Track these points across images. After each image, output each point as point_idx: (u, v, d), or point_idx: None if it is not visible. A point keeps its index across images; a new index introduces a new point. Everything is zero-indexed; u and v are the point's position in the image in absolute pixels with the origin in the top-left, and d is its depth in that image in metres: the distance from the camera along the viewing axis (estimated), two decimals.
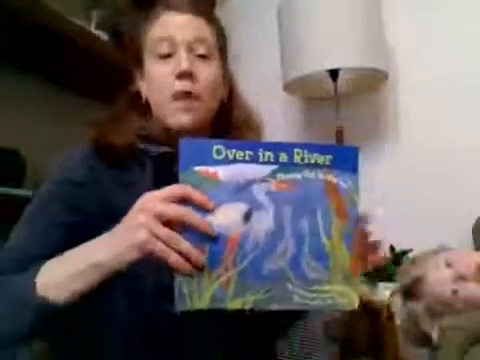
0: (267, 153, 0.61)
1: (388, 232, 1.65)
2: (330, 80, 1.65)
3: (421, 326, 1.05)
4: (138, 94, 0.87)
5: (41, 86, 1.56)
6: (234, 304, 0.59)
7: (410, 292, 1.09)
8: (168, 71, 0.79)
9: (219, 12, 2.30)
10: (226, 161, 0.60)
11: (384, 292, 1.45)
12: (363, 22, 1.59)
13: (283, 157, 0.62)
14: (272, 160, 0.61)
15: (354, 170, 0.64)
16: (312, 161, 0.63)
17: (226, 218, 0.59)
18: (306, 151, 0.63)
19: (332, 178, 0.63)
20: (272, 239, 0.60)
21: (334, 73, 1.63)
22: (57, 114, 1.60)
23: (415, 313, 1.07)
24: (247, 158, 0.60)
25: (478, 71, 1.67)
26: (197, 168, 0.59)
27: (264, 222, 0.60)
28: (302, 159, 0.62)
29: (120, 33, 1.72)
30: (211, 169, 0.59)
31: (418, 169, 1.73)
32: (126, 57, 0.89)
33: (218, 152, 0.60)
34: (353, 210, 0.64)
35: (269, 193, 0.61)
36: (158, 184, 0.61)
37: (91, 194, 0.76)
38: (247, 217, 0.60)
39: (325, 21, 1.57)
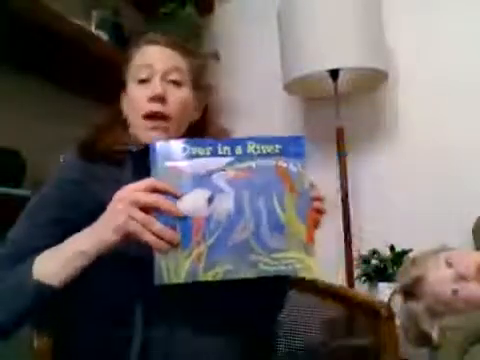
0: (225, 147, 0.72)
1: (388, 232, 1.67)
2: (330, 80, 1.65)
3: (421, 326, 1.05)
4: (121, 112, 0.97)
5: (41, 86, 1.56)
6: (206, 276, 0.68)
7: (410, 292, 1.09)
8: (144, 94, 0.89)
9: (219, 12, 2.32)
10: (190, 156, 0.71)
11: (384, 292, 1.45)
12: (363, 22, 1.59)
13: (238, 150, 0.72)
14: (229, 153, 0.72)
15: (301, 156, 0.74)
16: (264, 151, 0.73)
17: (192, 203, 0.69)
18: (258, 143, 0.73)
19: (282, 163, 0.73)
20: (234, 217, 0.70)
21: (334, 73, 1.63)
22: (57, 114, 1.60)
23: (415, 313, 1.07)
24: (208, 153, 0.71)
25: (478, 71, 1.66)
26: (166, 163, 0.70)
27: (225, 204, 0.70)
28: (255, 149, 0.73)
29: (121, 33, 1.72)
30: (178, 164, 0.70)
31: (418, 169, 1.73)
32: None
33: (184, 150, 0.71)
34: (303, 189, 0.73)
35: (228, 180, 0.71)
36: (137, 179, 0.71)
37: (87, 191, 0.85)
38: (210, 201, 0.69)
39: (325, 21, 1.57)
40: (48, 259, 0.74)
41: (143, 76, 0.90)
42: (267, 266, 0.70)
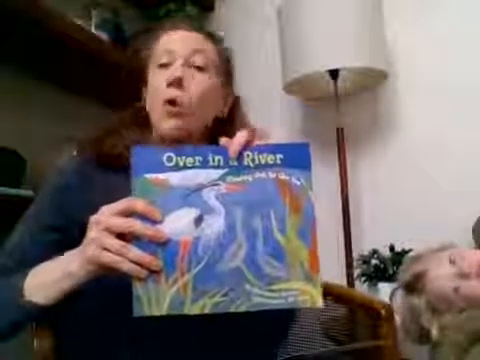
0: (217, 157, 0.63)
1: (388, 232, 1.67)
2: (330, 80, 1.65)
3: (421, 321, 1.05)
4: (143, 109, 0.90)
5: (41, 86, 1.56)
6: (193, 309, 0.60)
7: (412, 287, 1.09)
8: (163, 78, 0.83)
9: (219, 12, 2.32)
10: (177, 168, 0.62)
11: (384, 292, 1.45)
12: (363, 22, 1.59)
13: (233, 160, 0.64)
14: (222, 164, 0.63)
15: (306, 167, 0.65)
16: (262, 162, 0.64)
17: (177, 224, 0.61)
18: (256, 152, 0.64)
19: (284, 176, 0.64)
20: (225, 241, 0.61)
21: (334, 73, 1.63)
22: (57, 114, 1.60)
23: (416, 307, 1.07)
24: (197, 164, 0.63)
25: (478, 71, 1.66)
26: (148, 176, 0.61)
27: (215, 225, 0.61)
28: (252, 160, 0.64)
29: (121, 33, 1.72)
30: (162, 176, 0.62)
31: (418, 169, 1.73)
32: (130, 65, 0.95)
33: (169, 159, 0.62)
34: (308, 206, 0.64)
35: (220, 196, 0.62)
36: None
37: (79, 198, 0.80)
38: (198, 222, 0.61)
39: (325, 21, 1.57)
40: (39, 275, 0.70)
41: (164, 61, 0.84)
42: (263, 298, 0.61)
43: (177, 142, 0.81)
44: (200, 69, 0.84)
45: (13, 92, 1.47)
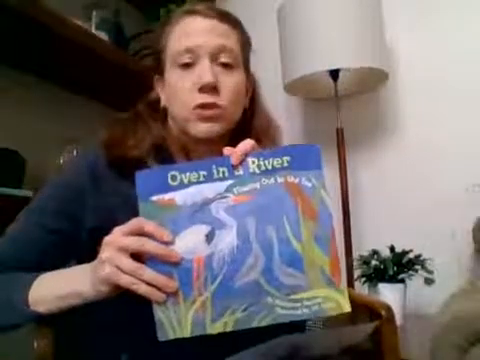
0: (221, 169, 0.62)
1: (388, 232, 1.66)
2: (330, 80, 1.65)
3: None
4: (158, 101, 0.84)
5: (41, 86, 1.56)
6: (215, 328, 0.58)
7: None
8: (190, 82, 0.76)
9: None
10: (182, 186, 0.61)
11: (384, 293, 1.45)
12: (363, 22, 1.59)
13: (238, 170, 0.62)
14: (227, 175, 0.61)
15: (316, 167, 0.63)
16: (269, 167, 0.62)
17: (189, 243, 0.59)
18: (261, 158, 0.62)
19: (293, 179, 0.61)
20: (239, 254, 0.59)
21: (334, 73, 1.62)
22: (57, 114, 1.60)
23: None
24: (202, 179, 0.61)
25: (478, 71, 1.66)
26: (154, 197, 0.60)
27: (228, 239, 0.59)
28: (258, 167, 0.62)
29: (121, 34, 1.72)
30: (167, 196, 0.60)
31: (418, 169, 1.73)
32: (129, 60, 0.87)
33: (173, 178, 0.61)
34: (323, 209, 0.61)
35: (228, 209, 0.60)
36: None
37: (88, 201, 0.76)
38: (210, 238, 0.59)
39: (325, 21, 1.57)
40: (45, 287, 0.69)
41: (187, 60, 0.76)
42: (286, 310, 0.58)
43: (204, 143, 0.79)
44: (227, 67, 0.78)
45: (13, 92, 1.47)
